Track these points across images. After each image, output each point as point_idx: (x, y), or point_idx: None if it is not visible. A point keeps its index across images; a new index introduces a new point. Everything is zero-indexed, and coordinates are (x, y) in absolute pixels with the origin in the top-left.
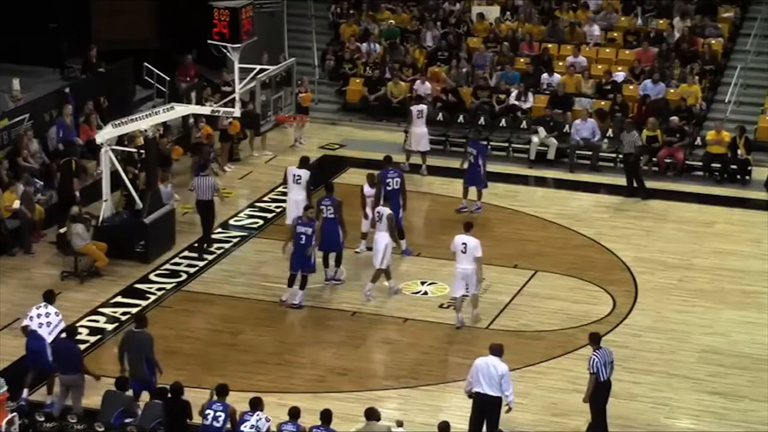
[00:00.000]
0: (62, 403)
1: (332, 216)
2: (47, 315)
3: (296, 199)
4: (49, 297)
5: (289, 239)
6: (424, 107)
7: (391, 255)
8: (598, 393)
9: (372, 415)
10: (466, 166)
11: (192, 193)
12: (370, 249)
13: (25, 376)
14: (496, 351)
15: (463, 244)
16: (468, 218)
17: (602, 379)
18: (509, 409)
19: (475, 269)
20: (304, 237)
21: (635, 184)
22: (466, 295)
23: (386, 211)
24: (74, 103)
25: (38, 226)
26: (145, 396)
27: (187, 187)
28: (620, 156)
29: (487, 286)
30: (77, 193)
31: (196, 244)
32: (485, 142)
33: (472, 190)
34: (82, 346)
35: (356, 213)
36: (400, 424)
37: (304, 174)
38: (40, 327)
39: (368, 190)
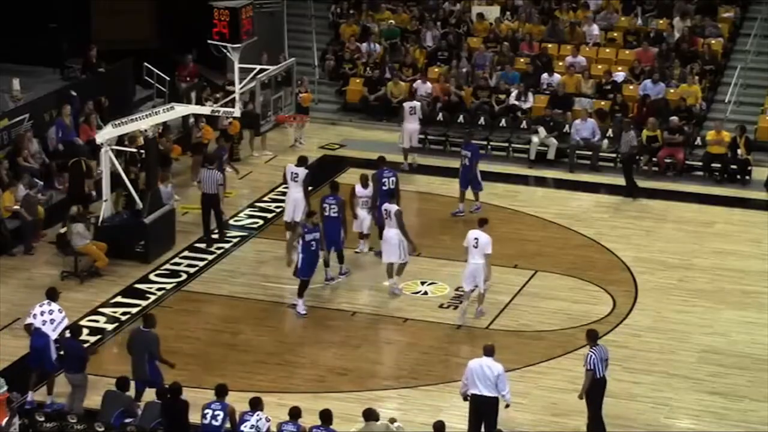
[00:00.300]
0: (72, 404)
1: (336, 215)
2: (50, 312)
3: (295, 197)
4: (53, 294)
5: (294, 240)
6: (417, 104)
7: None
8: (595, 390)
9: (370, 415)
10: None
11: (189, 194)
12: (370, 249)
13: (28, 376)
14: (489, 352)
15: (475, 239)
16: (481, 214)
17: (599, 376)
18: (507, 406)
19: (485, 265)
20: (314, 243)
21: (625, 182)
22: (473, 290)
23: (394, 207)
24: (78, 105)
25: (39, 227)
26: (148, 395)
27: (186, 188)
28: (620, 156)
29: (487, 285)
30: (93, 192)
31: (215, 234)
32: (479, 144)
33: (469, 193)
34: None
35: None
36: (392, 420)
37: (301, 172)
38: (44, 324)
39: (360, 191)
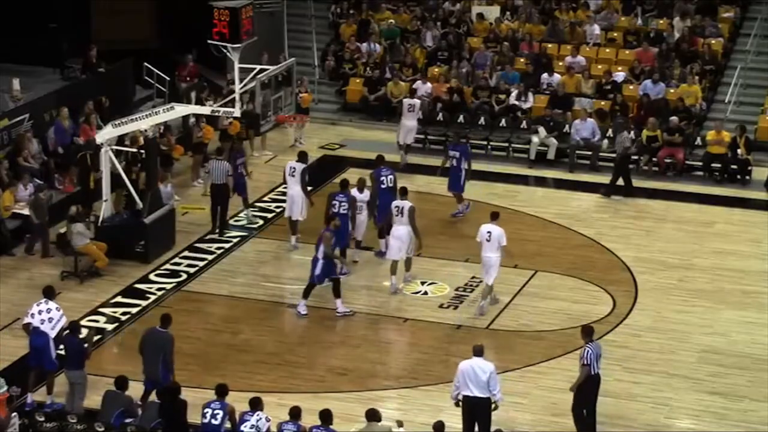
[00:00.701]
0: (72, 404)
1: (345, 212)
2: (48, 311)
3: (291, 193)
4: (49, 293)
5: (330, 245)
6: (416, 102)
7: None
8: (589, 387)
9: (373, 416)
10: (447, 165)
11: (189, 194)
12: (368, 249)
13: (27, 376)
14: (479, 352)
15: (488, 232)
16: (494, 208)
17: (593, 372)
18: (496, 407)
19: (499, 258)
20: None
21: (623, 182)
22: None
23: (407, 204)
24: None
25: (46, 228)
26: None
27: (186, 188)
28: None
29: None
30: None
31: (217, 231)
32: (467, 145)
33: (468, 192)
34: None
35: None
36: (400, 424)
37: (298, 167)
38: (42, 323)
39: (356, 195)
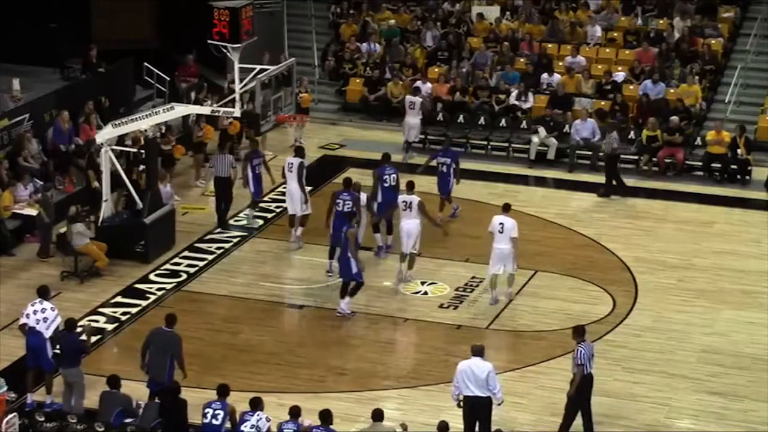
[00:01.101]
0: (69, 404)
1: (349, 210)
2: (43, 311)
3: (290, 189)
4: (44, 292)
5: (354, 242)
6: (417, 99)
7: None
8: (583, 386)
9: (379, 416)
10: (433, 164)
11: (188, 194)
12: (367, 249)
13: (25, 377)
14: (478, 352)
15: (501, 224)
16: (494, 208)
17: (587, 371)
18: (499, 404)
19: (512, 249)
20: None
21: (614, 182)
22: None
23: (415, 199)
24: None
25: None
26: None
27: (186, 188)
28: (603, 155)
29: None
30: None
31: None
32: (459, 149)
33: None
34: None
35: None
36: (404, 427)
37: (296, 162)
38: (37, 323)
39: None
